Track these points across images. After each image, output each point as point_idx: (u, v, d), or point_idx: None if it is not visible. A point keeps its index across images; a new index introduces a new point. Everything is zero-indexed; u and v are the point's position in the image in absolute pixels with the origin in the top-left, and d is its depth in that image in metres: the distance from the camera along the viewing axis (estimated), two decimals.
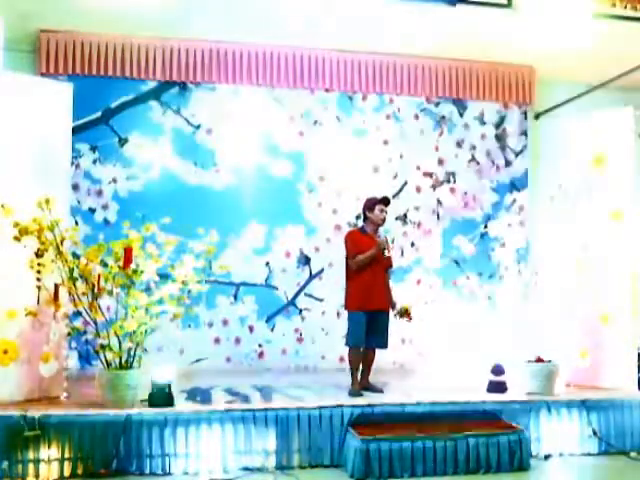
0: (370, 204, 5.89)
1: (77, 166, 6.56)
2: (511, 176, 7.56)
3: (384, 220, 5.88)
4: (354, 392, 5.62)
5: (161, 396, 4.99)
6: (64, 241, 5.08)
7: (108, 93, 6.68)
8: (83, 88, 6.26)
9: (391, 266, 6.02)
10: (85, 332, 5.25)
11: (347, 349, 5.83)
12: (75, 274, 5.04)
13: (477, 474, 4.86)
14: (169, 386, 5.03)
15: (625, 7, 5.74)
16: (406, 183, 7.31)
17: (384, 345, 5.88)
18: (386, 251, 5.72)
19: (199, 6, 5.92)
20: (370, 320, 5.71)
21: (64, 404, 5.10)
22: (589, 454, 5.38)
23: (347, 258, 5.85)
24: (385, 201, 5.88)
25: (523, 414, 5.33)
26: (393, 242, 7.07)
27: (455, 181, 7.42)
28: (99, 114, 6.67)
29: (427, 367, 7.04)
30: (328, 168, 7.12)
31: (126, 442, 4.72)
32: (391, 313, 5.88)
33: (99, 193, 6.66)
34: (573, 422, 5.41)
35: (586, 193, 6.18)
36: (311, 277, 7.03)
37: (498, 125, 7.56)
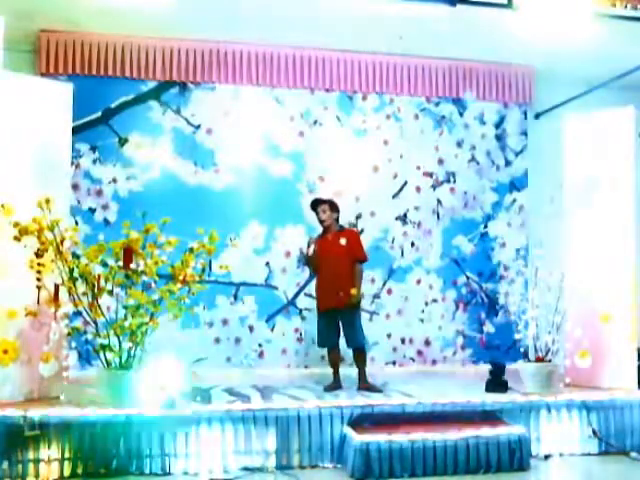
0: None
1: (77, 166, 6.55)
2: (511, 176, 7.55)
3: (322, 221, 6.05)
4: (326, 388, 5.82)
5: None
6: (64, 241, 5.08)
7: (108, 93, 6.67)
8: (83, 88, 6.26)
9: (360, 260, 5.97)
10: (85, 332, 5.24)
11: (346, 349, 5.96)
12: (75, 274, 5.05)
13: (477, 474, 4.86)
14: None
15: (625, 7, 5.73)
16: (406, 183, 7.30)
17: (353, 343, 5.91)
18: (309, 250, 5.99)
19: (199, 6, 5.91)
20: (333, 320, 5.88)
21: (64, 404, 5.10)
22: (589, 454, 5.39)
23: None
24: (316, 203, 6.09)
25: (523, 414, 5.33)
26: (394, 242, 7.11)
27: (455, 181, 7.41)
28: (99, 114, 6.67)
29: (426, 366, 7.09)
30: (328, 168, 7.11)
31: (126, 442, 4.73)
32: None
33: (99, 193, 6.66)
34: (573, 422, 5.41)
35: (586, 193, 6.17)
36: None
37: (498, 125, 7.56)
